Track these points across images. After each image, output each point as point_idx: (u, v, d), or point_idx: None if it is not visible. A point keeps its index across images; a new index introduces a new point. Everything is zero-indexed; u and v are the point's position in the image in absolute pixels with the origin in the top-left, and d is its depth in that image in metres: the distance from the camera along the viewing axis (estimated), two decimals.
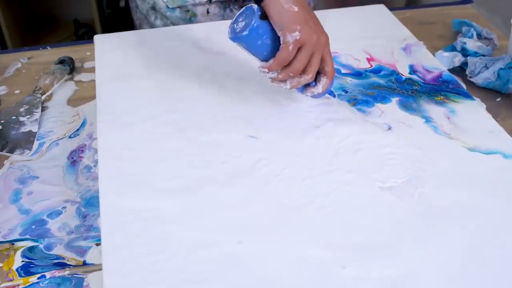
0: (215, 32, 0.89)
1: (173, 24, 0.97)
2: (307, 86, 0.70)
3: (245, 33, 0.64)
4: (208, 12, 0.95)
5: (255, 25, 0.64)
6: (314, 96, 0.71)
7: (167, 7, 0.95)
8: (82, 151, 0.75)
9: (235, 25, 0.66)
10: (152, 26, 1.00)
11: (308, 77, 0.67)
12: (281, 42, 0.65)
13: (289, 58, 0.65)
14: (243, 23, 0.66)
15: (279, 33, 0.64)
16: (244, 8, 0.67)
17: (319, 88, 0.69)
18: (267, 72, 0.67)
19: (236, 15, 0.67)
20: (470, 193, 0.61)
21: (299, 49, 0.65)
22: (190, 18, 0.96)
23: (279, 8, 0.64)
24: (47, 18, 2.19)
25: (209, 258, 0.54)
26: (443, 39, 0.98)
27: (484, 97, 0.83)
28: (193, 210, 0.59)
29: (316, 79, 0.69)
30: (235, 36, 0.66)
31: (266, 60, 0.67)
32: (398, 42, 0.88)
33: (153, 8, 0.98)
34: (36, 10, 2.17)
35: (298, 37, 0.64)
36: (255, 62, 0.84)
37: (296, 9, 0.64)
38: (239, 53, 0.80)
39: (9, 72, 0.91)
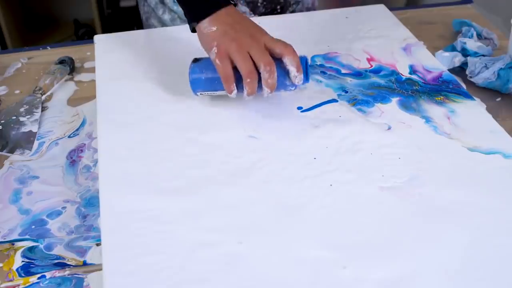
0: None
1: (180, 18, 0.97)
2: (283, 80, 0.68)
3: (190, 80, 0.71)
4: None
5: (191, 68, 0.70)
6: (298, 83, 0.69)
7: (174, 1, 0.95)
8: (82, 150, 0.75)
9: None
10: (159, 20, 1.00)
11: (265, 69, 0.65)
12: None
13: (226, 70, 0.66)
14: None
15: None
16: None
17: (293, 71, 0.67)
18: (234, 94, 0.68)
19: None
20: (470, 193, 0.61)
21: (232, 57, 0.66)
22: None
23: (200, 35, 0.69)
24: (47, 18, 2.20)
25: (209, 258, 0.54)
26: (443, 39, 0.98)
27: (484, 97, 0.83)
28: (193, 210, 0.59)
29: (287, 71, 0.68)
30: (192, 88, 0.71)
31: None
32: (398, 42, 0.88)
33: (162, 1, 0.98)
34: (36, 10, 2.17)
35: (216, 50, 0.66)
36: None
37: (214, 28, 0.67)
38: None
39: (9, 72, 0.91)
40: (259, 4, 0.97)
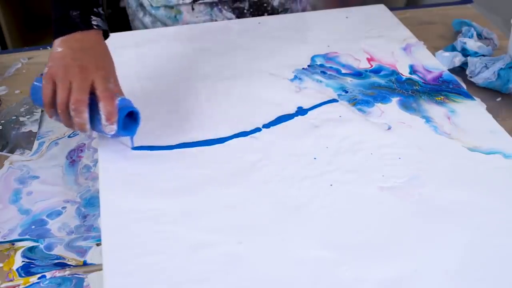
0: (215, 32, 0.89)
1: (160, 21, 0.97)
2: (99, 124, 0.64)
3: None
4: (193, 9, 0.95)
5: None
6: (113, 135, 0.65)
7: (151, 5, 0.95)
8: (81, 150, 0.75)
9: None
10: (141, 22, 1.00)
11: (72, 107, 0.61)
12: None
13: (46, 93, 0.63)
14: None
15: None
16: None
17: (101, 114, 0.62)
18: (53, 119, 0.65)
19: None
20: (470, 193, 0.61)
21: (55, 84, 0.63)
22: (175, 15, 0.96)
23: (50, 54, 0.65)
24: (47, 18, 2.19)
25: (209, 258, 0.54)
26: (443, 39, 0.98)
27: (484, 97, 0.83)
28: (193, 210, 0.59)
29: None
30: None
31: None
32: (398, 42, 0.88)
33: (141, 5, 0.98)
34: (36, 10, 2.16)
35: (46, 71, 0.63)
36: (258, 63, 0.85)
37: (59, 49, 0.64)
38: (240, 53, 0.80)
39: (9, 72, 0.91)
40: (245, 11, 0.96)
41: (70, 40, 0.65)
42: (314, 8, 1.10)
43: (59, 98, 0.62)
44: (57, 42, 0.65)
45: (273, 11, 0.99)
